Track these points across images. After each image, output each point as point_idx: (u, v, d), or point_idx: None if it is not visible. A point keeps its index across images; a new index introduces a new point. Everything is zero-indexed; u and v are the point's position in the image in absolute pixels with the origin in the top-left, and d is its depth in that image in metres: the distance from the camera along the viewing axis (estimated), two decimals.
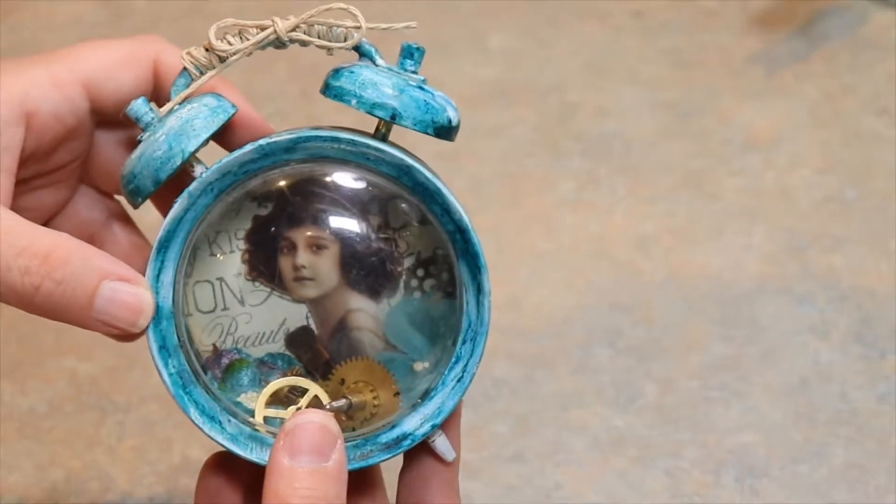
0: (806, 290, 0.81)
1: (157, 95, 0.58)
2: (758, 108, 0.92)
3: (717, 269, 0.82)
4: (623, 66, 0.95)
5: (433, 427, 0.56)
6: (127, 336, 0.55)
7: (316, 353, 0.56)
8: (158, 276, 0.55)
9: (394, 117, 0.54)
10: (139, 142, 0.55)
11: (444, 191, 0.55)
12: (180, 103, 0.55)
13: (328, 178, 0.56)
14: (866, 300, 0.80)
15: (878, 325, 0.79)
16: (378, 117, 0.55)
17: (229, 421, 0.56)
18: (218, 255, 0.56)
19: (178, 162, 0.54)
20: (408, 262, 0.56)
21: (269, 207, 0.56)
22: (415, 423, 0.56)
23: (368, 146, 0.55)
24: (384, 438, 0.56)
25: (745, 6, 0.99)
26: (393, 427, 0.56)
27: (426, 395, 0.56)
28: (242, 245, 0.56)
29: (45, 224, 0.60)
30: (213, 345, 0.56)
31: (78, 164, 0.60)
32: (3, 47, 0.98)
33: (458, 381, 0.56)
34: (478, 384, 0.75)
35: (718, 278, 0.82)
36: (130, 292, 0.54)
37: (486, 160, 0.89)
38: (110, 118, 0.59)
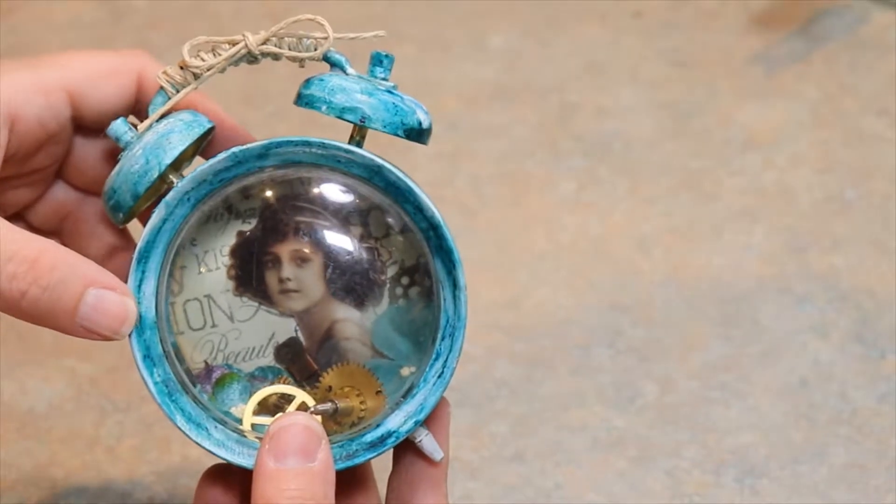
0: (806, 290, 0.81)
1: (140, 110, 0.59)
2: (758, 108, 0.92)
3: (717, 269, 0.82)
4: (623, 66, 0.95)
5: (416, 424, 0.56)
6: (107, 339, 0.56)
7: (304, 364, 0.57)
8: (140, 286, 0.56)
9: (363, 120, 0.55)
10: (118, 160, 0.56)
11: (416, 189, 0.56)
12: (157, 120, 0.56)
13: (310, 191, 0.56)
14: (866, 300, 0.80)
15: (878, 325, 0.79)
16: (347, 121, 0.56)
17: (216, 427, 0.56)
18: (205, 273, 0.57)
19: (156, 175, 0.55)
20: (391, 271, 0.57)
21: (251, 222, 0.57)
22: (398, 421, 0.56)
23: (338, 148, 0.56)
24: (369, 437, 0.56)
25: (745, 6, 0.99)
26: (377, 426, 0.56)
27: (408, 393, 0.57)
28: (227, 261, 0.57)
29: (21, 212, 0.61)
30: (205, 361, 0.57)
31: (55, 167, 0.60)
32: (3, 47, 0.98)
33: (439, 376, 0.56)
34: (478, 384, 0.75)
35: (718, 278, 0.82)
36: (115, 301, 0.54)
37: (486, 160, 0.89)
38: (91, 126, 0.59)
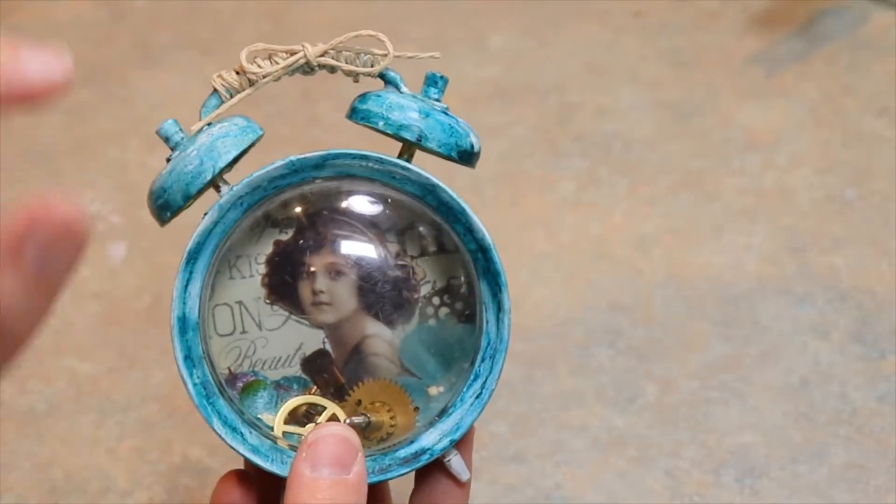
0: (806, 290, 0.81)
1: None
2: (758, 108, 0.92)
3: (717, 269, 0.82)
4: (623, 66, 0.95)
5: (451, 442, 0.56)
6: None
7: (331, 376, 0.57)
8: (186, 286, 0.56)
9: (420, 139, 0.56)
10: (168, 161, 0.56)
11: (468, 210, 0.56)
12: (209, 124, 0.56)
13: (348, 205, 0.57)
14: (866, 300, 0.80)
15: (878, 325, 0.79)
16: (404, 138, 0.56)
17: (250, 433, 0.56)
18: (237, 279, 0.57)
19: (209, 176, 0.55)
20: (424, 290, 0.57)
21: (289, 232, 0.57)
22: (433, 439, 0.57)
23: (395, 164, 0.56)
24: (403, 453, 0.57)
25: (745, 6, 0.99)
26: (411, 442, 0.57)
27: (444, 412, 0.57)
28: (263, 269, 0.57)
29: None
30: (228, 368, 0.57)
31: None
32: None
33: (477, 397, 0.57)
34: None
35: (718, 278, 0.82)
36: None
37: (486, 160, 0.89)
38: None
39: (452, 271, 0.57)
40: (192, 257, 0.56)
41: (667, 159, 0.89)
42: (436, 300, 0.57)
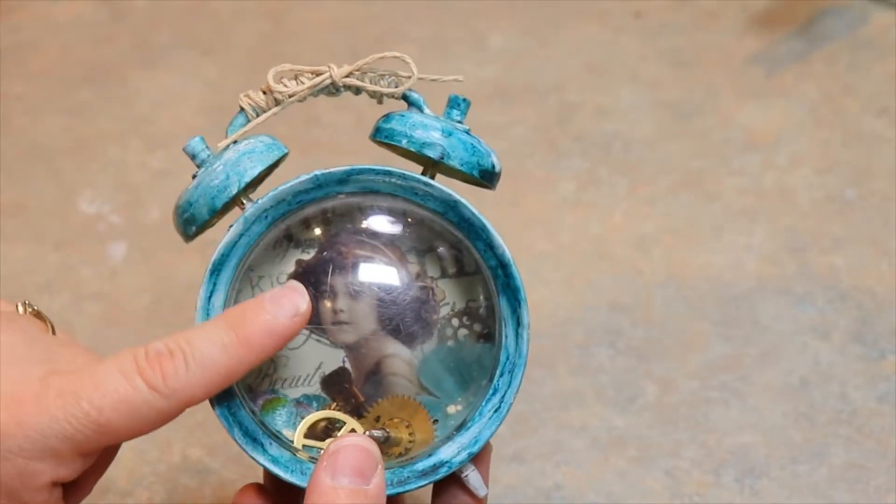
0: (806, 290, 0.81)
1: None
2: (758, 108, 0.92)
3: (717, 269, 0.82)
4: (623, 66, 0.95)
5: (470, 455, 0.57)
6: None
7: (350, 394, 0.57)
8: (210, 297, 0.56)
9: (442, 157, 0.57)
10: (194, 177, 0.57)
11: (489, 226, 0.57)
12: (235, 141, 0.57)
13: (369, 224, 0.57)
14: (866, 300, 0.80)
15: (878, 325, 0.79)
16: (427, 156, 0.57)
17: (271, 444, 0.57)
18: None
19: (234, 190, 0.56)
20: (444, 311, 0.57)
21: (311, 252, 0.57)
22: (452, 452, 0.57)
23: (418, 180, 0.57)
24: (421, 466, 0.57)
25: (745, 6, 0.99)
26: (430, 455, 0.57)
27: (462, 426, 0.57)
28: None
29: None
30: (249, 386, 0.57)
31: None
32: (3, 47, 0.98)
33: (496, 411, 0.57)
34: None
35: (718, 278, 0.82)
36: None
37: None
38: None
39: (472, 293, 0.58)
40: (217, 269, 0.56)
41: (667, 159, 0.89)
42: (455, 321, 0.58)
